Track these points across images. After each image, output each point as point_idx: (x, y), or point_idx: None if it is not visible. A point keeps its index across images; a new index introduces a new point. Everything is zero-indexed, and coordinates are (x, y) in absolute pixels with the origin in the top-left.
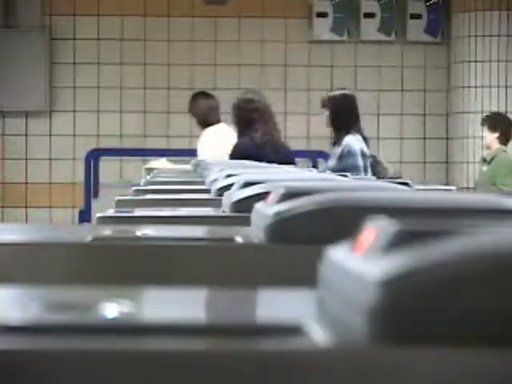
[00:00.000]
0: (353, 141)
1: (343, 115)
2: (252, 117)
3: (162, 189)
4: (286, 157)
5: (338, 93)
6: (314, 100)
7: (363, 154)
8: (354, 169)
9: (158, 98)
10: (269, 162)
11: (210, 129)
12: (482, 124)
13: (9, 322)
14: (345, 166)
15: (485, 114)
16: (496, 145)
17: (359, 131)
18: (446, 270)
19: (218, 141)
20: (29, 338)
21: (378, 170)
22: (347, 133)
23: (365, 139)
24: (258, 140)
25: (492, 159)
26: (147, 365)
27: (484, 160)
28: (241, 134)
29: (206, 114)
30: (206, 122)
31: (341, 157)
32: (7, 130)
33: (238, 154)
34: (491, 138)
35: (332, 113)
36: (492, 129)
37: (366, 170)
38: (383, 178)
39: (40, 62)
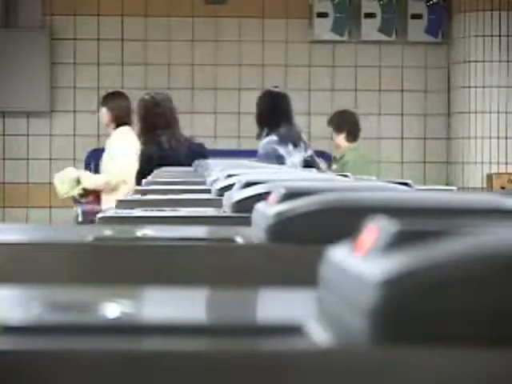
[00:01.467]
0: (263, 144)
1: (265, 114)
2: (158, 121)
3: (162, 189)
4: (200, 157)
5: (264, 91)
6: (315, 100)
7: (278, 157)
8: None
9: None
10: (181, 165)
11: (126, 128)
12: (328, 125)
13: (9, 322)
14: None
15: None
16: (344, 144)
17: (289, 130)
18: (447, 271)
19: (133, 141)
20: (29, 338)
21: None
22: (267, 133)
23: (294, 139)
24: (166, 145)
25: (341, 158)
26: (147, 365)
27: (334, 158)
28: (144, 137)
29: (126, 113)
30: (122, 122)
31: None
32: (8, 130)
33: (146, 160)
34: (339, 138)
35: (256, 110)
36: (338, 129)
37: None
38: None
39: (40, 62)
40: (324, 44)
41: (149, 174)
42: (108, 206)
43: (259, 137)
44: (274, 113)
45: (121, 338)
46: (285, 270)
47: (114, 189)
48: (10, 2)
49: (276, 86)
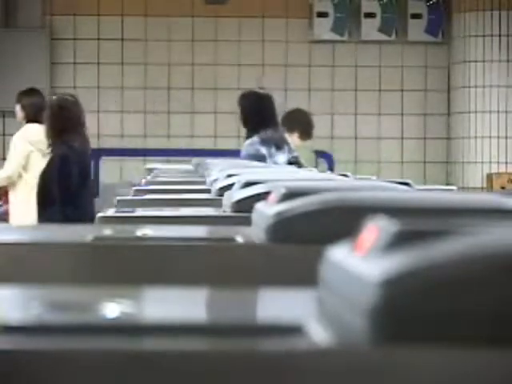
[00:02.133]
0: (246, 145)
1: (250, 115)
2: (66, 125)
3: (162, 189)
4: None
5: (249, 91)
6: (315, 100)
7: (260, 158)
8: None
9: (158, 98)
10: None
11: (35, 126)
12: (282, 125)
13: (9, 322)
14: None
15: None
16: (298, 143)
17: (273, 132)
18: (447, 271)
19: (38, 139)
20: (29, 338)
21: None
22: (250, 134)
23: (278, 141)
24: (79, 149)
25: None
26: (147, 365)
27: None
28: (54, 139)
29: (38, 111)
30: (34, 118)
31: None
32: (8, 130)
33: (62, 161)
34: (292, 138)
35: (241, 111)
36: (290, 129)
37: None
38: None
39: (40, 62)
40: (324, 44)
41: (68, 175)
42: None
43: (247, 136)
44: (259, 114)
45: (121, 337)
46: (285, 269)
47: (13, 184)
48: (9, 2)
49: (261, 88)
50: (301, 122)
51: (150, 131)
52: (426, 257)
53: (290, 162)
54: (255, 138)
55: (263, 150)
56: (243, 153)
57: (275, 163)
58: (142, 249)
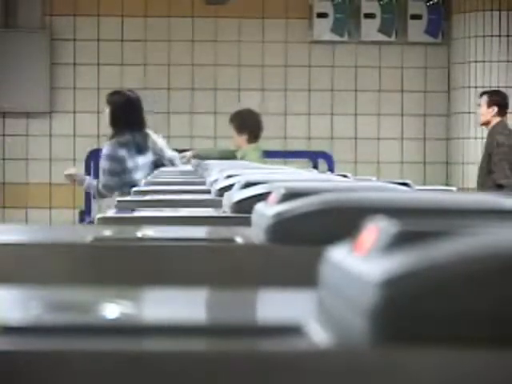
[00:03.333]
0: (106, 144)
1: (117, 115)
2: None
3: (162, 189)
4: None
5: (117, 91)
6: (315, 101)
7: (119, 159)
8: (102, 172)
9: (158, 99)
10: None
11: None
12: (229, 123)
13: (9, 323)
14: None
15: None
16: (245, 145)
17: (137, 134)
18: (447, 271)
19: None
20: (28, 338)
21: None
22: (113, 135)
23: (140, 143)
24: None
25: (242, 158)
26: (147, 366)
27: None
28: None
29: None
30: None
31: None
32: (8, 130)
33: None
34: (240, 139)
35: (109, 110)
36: (239, 130)
37: (117, 174)
38: None
39: (40, 63)
40: (324, 44)
41: None
42: None
43: (112, 137)
44: (126, 116)
45: (120, 338)
46: (285, 270)
47: None
48: (9, 3)
49: (130, 90)
50: (250, 124)
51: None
52: (426, 257)
53: (156, 163)
54: (116, 140)
55: (122, 152)
56: (103, 152)
57: (136, 165)
58: (141, 249)
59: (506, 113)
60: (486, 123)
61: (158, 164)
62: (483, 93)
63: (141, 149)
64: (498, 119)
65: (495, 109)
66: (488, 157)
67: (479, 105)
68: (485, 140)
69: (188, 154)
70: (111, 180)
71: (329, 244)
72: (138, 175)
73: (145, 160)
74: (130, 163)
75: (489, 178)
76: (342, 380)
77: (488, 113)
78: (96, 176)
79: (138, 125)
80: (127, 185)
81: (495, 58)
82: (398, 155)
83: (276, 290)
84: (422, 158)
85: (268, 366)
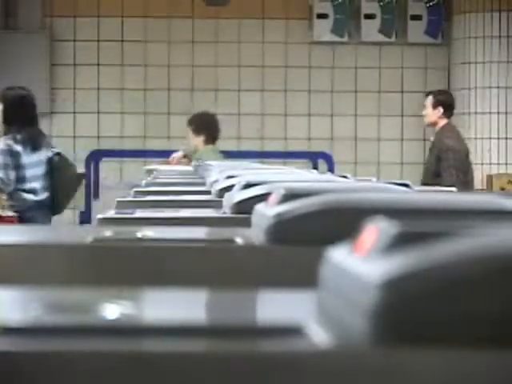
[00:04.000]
0: (1, 141)
1: (9, 112)
2: None
3: (162, 190)
4: None
5: (11, 88)
6: (315, 101)
7: (14, 154)
8: None
9: (158, 100)
10: None
11: None
12: (187, 125)
13: (9, 324)
14: None
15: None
16: (202, 146)
17: (30, 131)
18: (447, 272)
19: None
20: (28, 339)
21: (60, 167)
22: (6, 131)
23: (34, 140)
24: None
25: (199, 160)
26: (147, 366)
27: (191, 159)
28: None
29: None
30: None
31: None
32: None
33: None
34: (197, 140)
35: (2, 107)
36: (196, 132)
37: (12, 168)
38: (69, 176)
39: (40, 64)
40: (324, 45)
41: None
42: None
43: (6, 134)
44: (18, 113)
45: (120, 339)
46: (285, 270)
47: None
48: (10, 4)
49: (22, 88)
50: (207, 127)
51: (149, 132)
52: (426, 258)
53: (49, 160)
54: (11, 136)
55: (18, 147)
56: None
57: (30, 162)
58: (141, 250)
59: (452, 114)
60: (433, 124)
61: (52, 161)
62: (428, 93)
63: (36, 146)
64: (444, 121)
65: (441, 110)
66: (436, 159)
67: (425, 105)
68: (485, 140)
69: (177, 154)
70: (5, 174)
71: (329, 245)
72: (33, 171)
73: (40, 157)
74: (25, 159)
75: (435, 181)
76: (342, 381)
77: (434, 114)
78: (96, 177)
79: (30, 121)
80: (22, 180)
81: (495, 58)
82: (397, 156)
83: (276, 291)
84: (422, 159)
85: (268, 366)
